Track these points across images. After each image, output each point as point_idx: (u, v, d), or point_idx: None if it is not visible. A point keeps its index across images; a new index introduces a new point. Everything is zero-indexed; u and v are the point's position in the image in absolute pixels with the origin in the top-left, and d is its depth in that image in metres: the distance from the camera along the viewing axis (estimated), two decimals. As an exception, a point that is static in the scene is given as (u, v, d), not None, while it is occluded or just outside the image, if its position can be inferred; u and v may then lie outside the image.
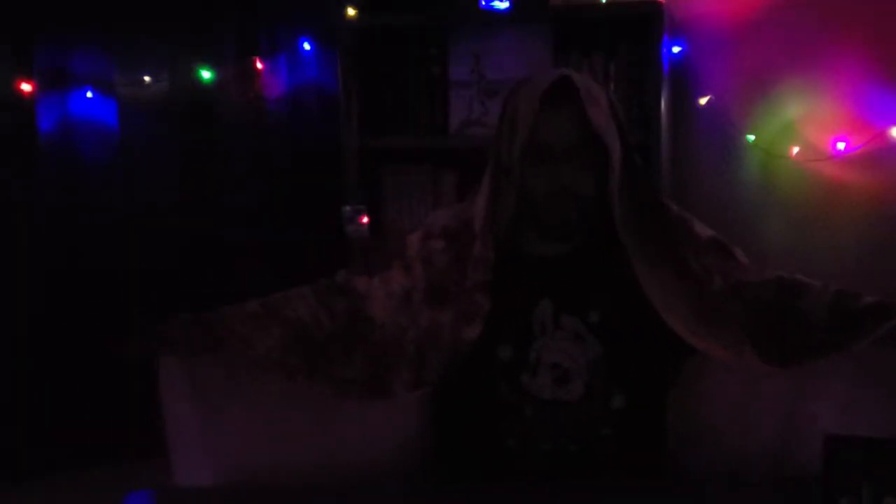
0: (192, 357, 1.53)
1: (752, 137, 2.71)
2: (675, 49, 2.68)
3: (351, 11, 2.61)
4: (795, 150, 2.68)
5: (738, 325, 1.52)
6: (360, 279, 1.64)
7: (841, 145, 2.63)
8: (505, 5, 2.59)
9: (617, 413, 1.56)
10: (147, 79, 2.74)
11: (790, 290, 1.55)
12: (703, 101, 2.71)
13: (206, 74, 2.73)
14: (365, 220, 2.62)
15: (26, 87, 2.69)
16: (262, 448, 1.56)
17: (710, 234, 1.62)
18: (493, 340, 1.56)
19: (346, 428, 1.59)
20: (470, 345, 1.55)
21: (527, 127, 1.50)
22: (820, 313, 1.51)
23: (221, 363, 1.54)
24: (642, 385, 1.58)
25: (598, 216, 1.57)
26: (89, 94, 2.74)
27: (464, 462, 1.61)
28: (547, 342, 1.56)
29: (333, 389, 1.55)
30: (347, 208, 2.62)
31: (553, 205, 1.54)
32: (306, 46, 2.76)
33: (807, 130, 2.68)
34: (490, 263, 1.56)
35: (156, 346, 1.53)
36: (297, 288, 1.64)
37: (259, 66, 2.76)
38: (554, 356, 1.56)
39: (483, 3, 2.60)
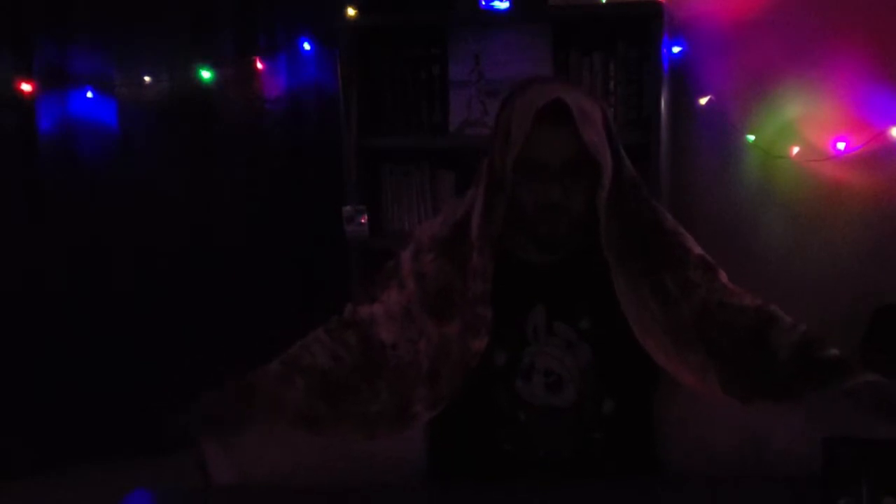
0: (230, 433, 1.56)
1: (751, 137, 2.71)
2: (675, 49, 2.68)
3: (351, 11, 2.61)
4: (795, 150, 2.68)
5: (706, 353, 1.52)
6: (363, 308, 1.66)
7: (841, 145, 2.63)
8: (505, 5, 2.59)
9: (607, 418, 1.57)
10: (147, 79, 2.74)
11: (764, 322, 1.55)
12: (702, 101, 2.71)
13: (206, 74, 2.73)
14: (364, 219, 2.62)
15: (26, 86, 2.69)
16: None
17: (699, 253, 1.63)
18: (488, 347, 1.57)
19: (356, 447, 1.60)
20: (478, 356, 1.55)
21: (520, 144, 1.50)
22: (784, 353, 1.51)
23: (255, 426, 1.57)
24: (631, 390, 1.60)
25: (588, 228, 1.58)
26: (89, 94, 2.74)
27: (461, 467, 1.61)
28: (540, 349, 1.57)
29: (362, 433, 1.56)
30: (347, 208, 2.63)
31: (543, 220, 1.54)
32: (306, 46, 2.76)
33: (807, 130, 2.68)
34: (489, 274, 1.56)
35: (195, 429, 1.54)
36: (312, 332, 1.66)
37: (259, 65, 2.76)
38: (547, 362, 1.57)
39: (483, 3, 2.60)
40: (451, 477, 1.64)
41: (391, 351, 1.61)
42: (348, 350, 1.61)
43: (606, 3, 2.57)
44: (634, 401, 1.61)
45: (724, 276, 1.63)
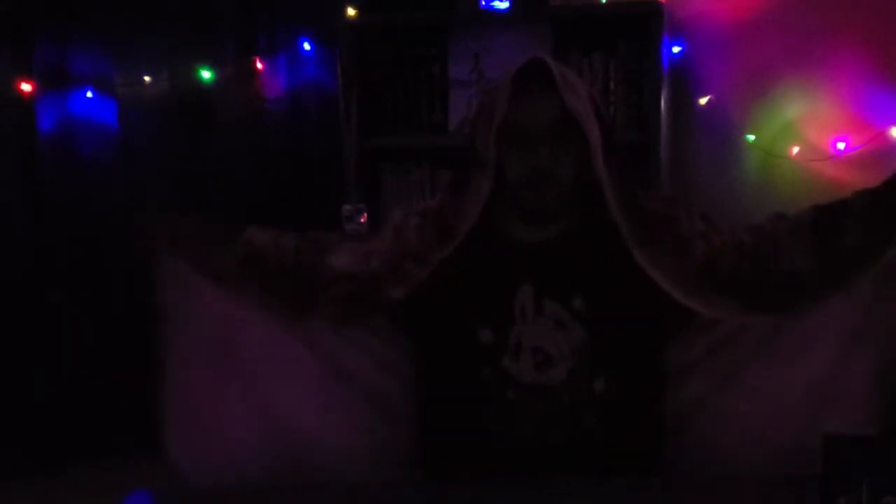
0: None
1: (752, 137, 2.71)
2: (675, 49, 2.68)
3: (351, 11, 2.61)
4: (795, 150, 2.68)
5: (724, 292, 1.54)
6: (335, 235, 1.72)
7: (841, 145, 2.63)
8: (505, 5, 2.59)
9: (600, 398, 1.56)
10: (147, 78, 2.75)
11: (765, 251, 1.56)
12: (702, 100, 2.71)
13: (206, 74, 2.73)
14: (364, 219, 2.61)
15: (26, 86, 2.69)
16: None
17: (695, 214, 1.64)
18: (472, 323, 1.57)
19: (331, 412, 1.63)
20: (391, 302, 1.60)
21: (502, 110, 1.51)
22: (802, 262, 1.53)
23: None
24: (627, 370, 1.59)
25: (578, 202, 1.58)
26: (89, 94, 2.75)
27: (449, 447, 1.62)
28: (528, 327, 1.56)
29: (260, 304, 1.62)
30: (347, 207, 2.62)
31: (530, 188, 1.55)
32: (306, 46, 2.76)
33: (807, 130, 2.68)
34: (435, 243, 1.59)
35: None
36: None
37: (259, 65, 2.76)
38: (535, 341, 1.56)
39: (483, 2, 2.60)
40: (439, 459, 1.64)
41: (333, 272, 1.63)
42: (297, 252, 1.65)
43: (606, 2, 2.57)
44: (631, 382, 1.59)
45: (715, 220, 1.63)
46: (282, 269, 1.63)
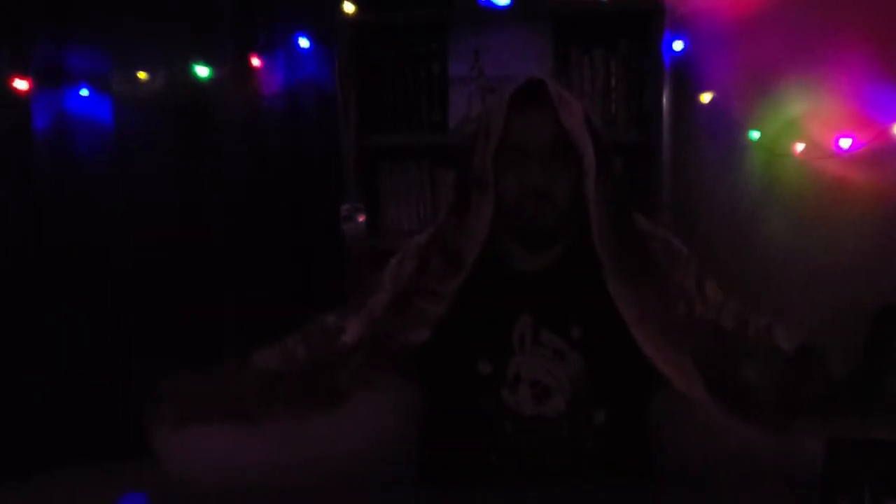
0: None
1: (755, 135, 2.68)
2: (677, 45, 2.65)
3: (349, 8, 2.59)
4: (799, 147, 2.66)
5: (693, 359, 1.51)
6: (336, 318, 1.66)
7: (845, 143, 2.60)
8: (505, 2, 2.57)
9: (599, 428, 1.55)
10: (143, 76, 2.73)
11: (734, 354, 1.52)
12: (705, 98, 2.69)
13: (202, 71, 2.72)
14: (363, 217, 2.60)
15: (22, 84, 2.69)
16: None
17: (689, 261, 1.61)
18: (472, 355, 1.56)
19: (332, 437, 1.60)
20: (416, 348, 1.56)
21: (498, 130, 1.50)
22: (764, 382, 1.49)
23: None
24: (625, 399, 1.57)
25: (576, 226, 1.56)
26: (85, 92, 2.74)
27: (449, 478, 1.60)
28: (526, 358, 1.55)
29: (292, 414, 1.56)
30: (345, 206, 2.61)
31: (527, 208, 1.53)
32: (304, 43, 2.74)
33: (811, 128, 2.65)
34: (445, 273, 1.56)
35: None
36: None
37: (256, 63, 2.74)
38: (533, 372, 1.55)
39: (482, -1, 2.58)
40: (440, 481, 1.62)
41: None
42: (310, 348, 1.61)
43: (607, -1, 2.55)
44: (628, 410, 1.58)
45: (709, 287, 1.60)
46: (300, 376, 1.59)
